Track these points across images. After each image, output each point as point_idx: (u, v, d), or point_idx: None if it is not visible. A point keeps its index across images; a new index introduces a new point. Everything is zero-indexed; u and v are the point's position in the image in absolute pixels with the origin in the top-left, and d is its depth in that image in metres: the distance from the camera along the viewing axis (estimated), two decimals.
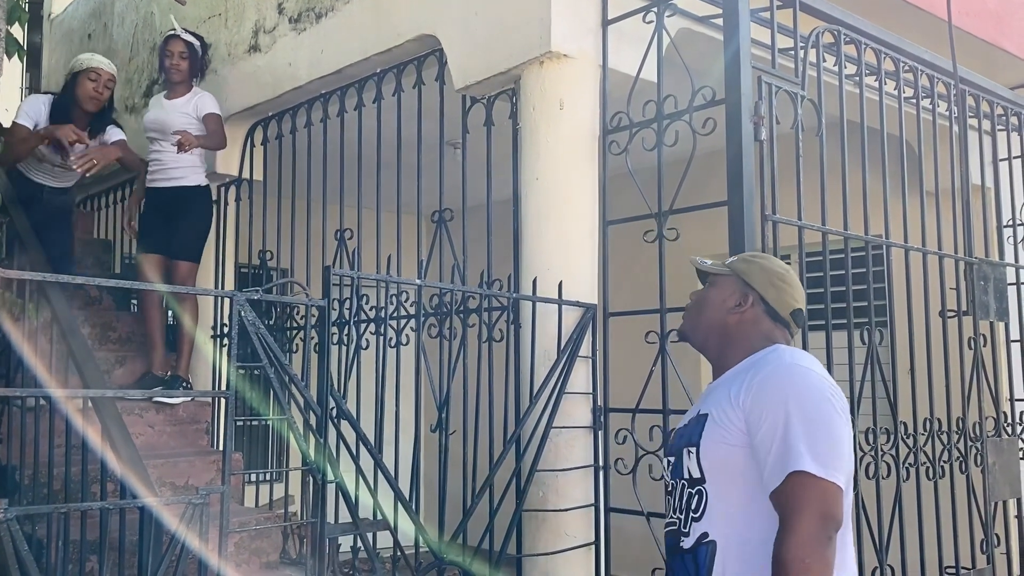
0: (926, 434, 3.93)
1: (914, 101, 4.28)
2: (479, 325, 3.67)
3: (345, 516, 3.27)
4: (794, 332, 2.16)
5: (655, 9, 3.55)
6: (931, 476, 3.91)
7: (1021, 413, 4.87)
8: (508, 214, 3.75)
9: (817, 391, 1.89)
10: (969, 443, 4.15)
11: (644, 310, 3.54)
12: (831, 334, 3.50)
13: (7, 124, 4.84)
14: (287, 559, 4.10)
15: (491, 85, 3.82)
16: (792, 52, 3.50)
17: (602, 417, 3.58)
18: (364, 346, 3.87)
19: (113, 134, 4.81)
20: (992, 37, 4.95)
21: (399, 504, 3.16)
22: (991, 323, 4.38)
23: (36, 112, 4.70)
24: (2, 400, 3.81)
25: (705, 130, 3.34)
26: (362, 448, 3.22)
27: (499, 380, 3.58)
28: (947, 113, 4.34)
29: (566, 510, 3.43)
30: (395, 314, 3.85)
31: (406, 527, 3.17)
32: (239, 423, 5.51)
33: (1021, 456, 4.51)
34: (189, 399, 4.75)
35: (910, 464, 3.85)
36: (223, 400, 3.61)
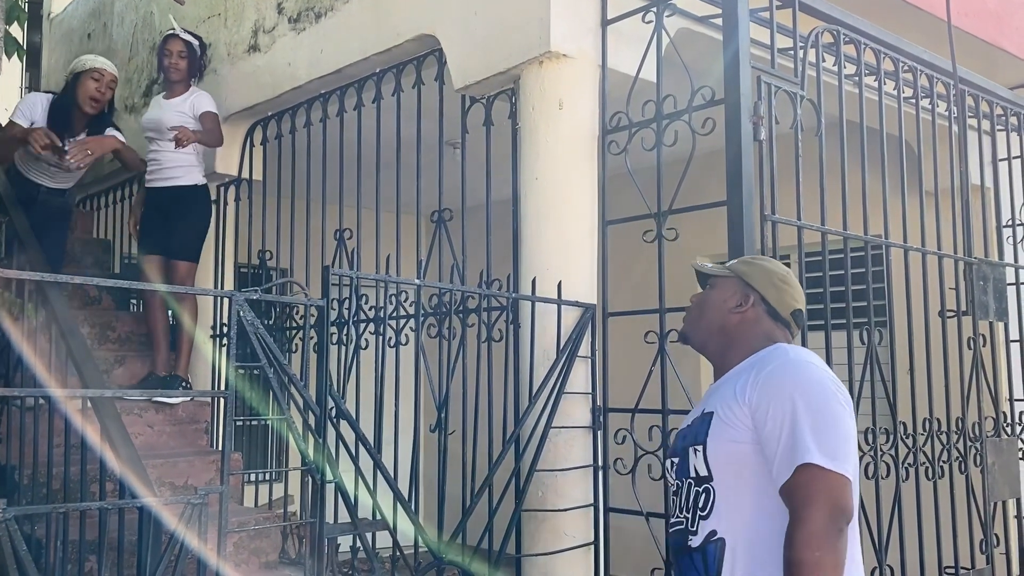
0: (925, 434, 3.93)
1: (913, 101, 4.28)
2: (478, 325, 3.66)
3: (344, 516, 3.27)
4: (794, 332, 2.18)
5: (654, 9, 3.55)
6: (930, 476, 3.91)
7: (1020, 413, 4.87)
8: (507, 214, 3.75)
9: (822, 385, 1.91)
10: (968, 443, 4.15)
11: (643, 310, 3.54)
12: (830, 334, 3.50)
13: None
14: (286, 559, 4.10)
15: (490, 85, 3.82)
16: (791, 52, 3.50)
17: (601, 417, 3.57)
18: (363, 346, 3.87)
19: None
20: (992, 37, 4.95)
21: (398, 504, 3.16)
22: (990, 323, 4.38)
23: (32, 111, 4.70)
24: (1, 400, 3.81)
25: (704, 130, 3.34)
26: (361, 448, 3.22)
27: (498, 380, 3.58)
28: (946, 113, 4.34)
29: (565, 510, 3.43)
30: (394, 314, 3.84)
31: (405, 527, 3.17)
32: (238, 423, 5.51)
33: (1020, 456, 4.51)
34: (188, 399, 4.75)
35: (909, 464, 3.85)
36: (222, 400, 3.60)
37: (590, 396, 3.56)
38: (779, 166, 3.35)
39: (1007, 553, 4.42)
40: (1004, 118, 4.87)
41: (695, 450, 1.99)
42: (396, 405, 3.39)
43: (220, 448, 4.02)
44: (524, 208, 3.64)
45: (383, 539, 3.48)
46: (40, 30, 8.22)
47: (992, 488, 4.12)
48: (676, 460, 2.08)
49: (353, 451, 3.25)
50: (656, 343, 3.46)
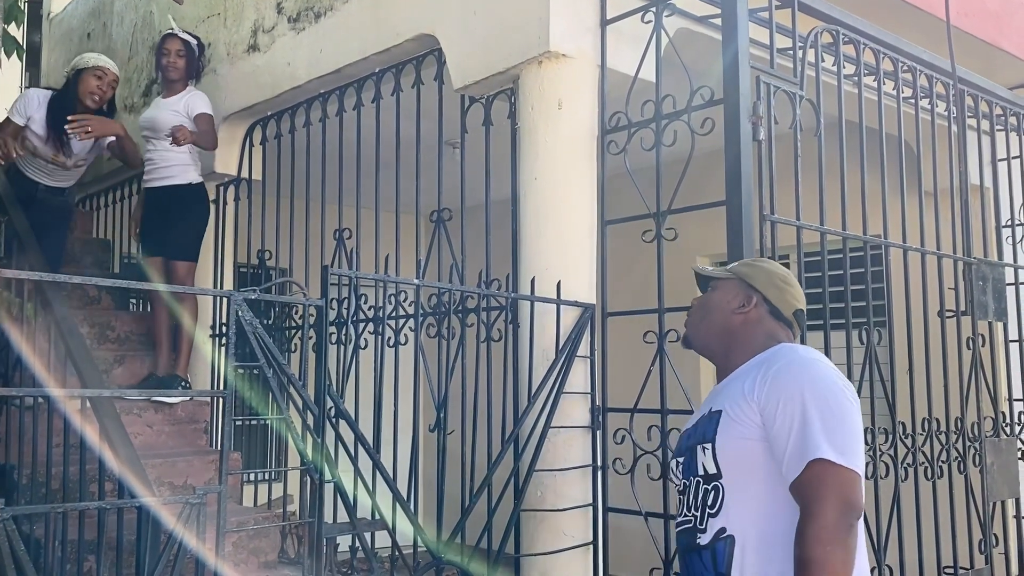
0: (924, 434, 3.93)
1: (913, 101, 4.28)
2: (477, 325, 3.66)
3: (343, 516, 3.27)
4: (796, 332, 2.19)
5: (654, 9, 3.55)
6: (929, 476, 3.91)
7: (1020, 413, 4.87)
8: (507, 214, 3.75)
9: (831, 382, 1.93)
10: (967, 443, 4.15)
11: (642, 310, 3.54)
12: (829, 334, 3.50)
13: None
14: (285, 559, 4.10)
15: (490, 85, 3.82)
16: (791, 52, 3.50)
17: (600, 417, 3.57)
18: (362, 346, 3.87)
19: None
20: (991, 37, 4.96)
21: (397, 504, 3.16)
22: (990, 323, 4.38)
23: (29, 107, 4.70)
24: (1, 399, 3.81)
25: (704, 130, 3.34)
26: (360, 448, 3.22)
27: (497, 380, 3.57)
28: (946, 113, 4.34)
29: (564, 510, 3.43)
30: (393, 314, 3.84)
31: (404, 527, 3.17)
32: (238, 423, 5.52)
33: (1020, 456, 4.51)
34: (188, 398, 4.75)
35: (908, 464, 3.85)
36: (221, 400, 3.60)
37: (589, 396, 3.56)
38: (778, 166, 3.35)
39: (1006, 553, 4.42)
40: (1003, 118, 4.87)
41: (703, 448, 2.00)
42: (395, 405, 3.39)
43: (219, 448, 4.02)
44: (523, 208, 3.64)
45: (382, 539, 3.48)
46: (40, 29, 8.22)
47: (991, 488, 4.12)
48: (682, 459, 2.09)
49: (352, 451, 3.25)
50: (655, 343, 3.46)
